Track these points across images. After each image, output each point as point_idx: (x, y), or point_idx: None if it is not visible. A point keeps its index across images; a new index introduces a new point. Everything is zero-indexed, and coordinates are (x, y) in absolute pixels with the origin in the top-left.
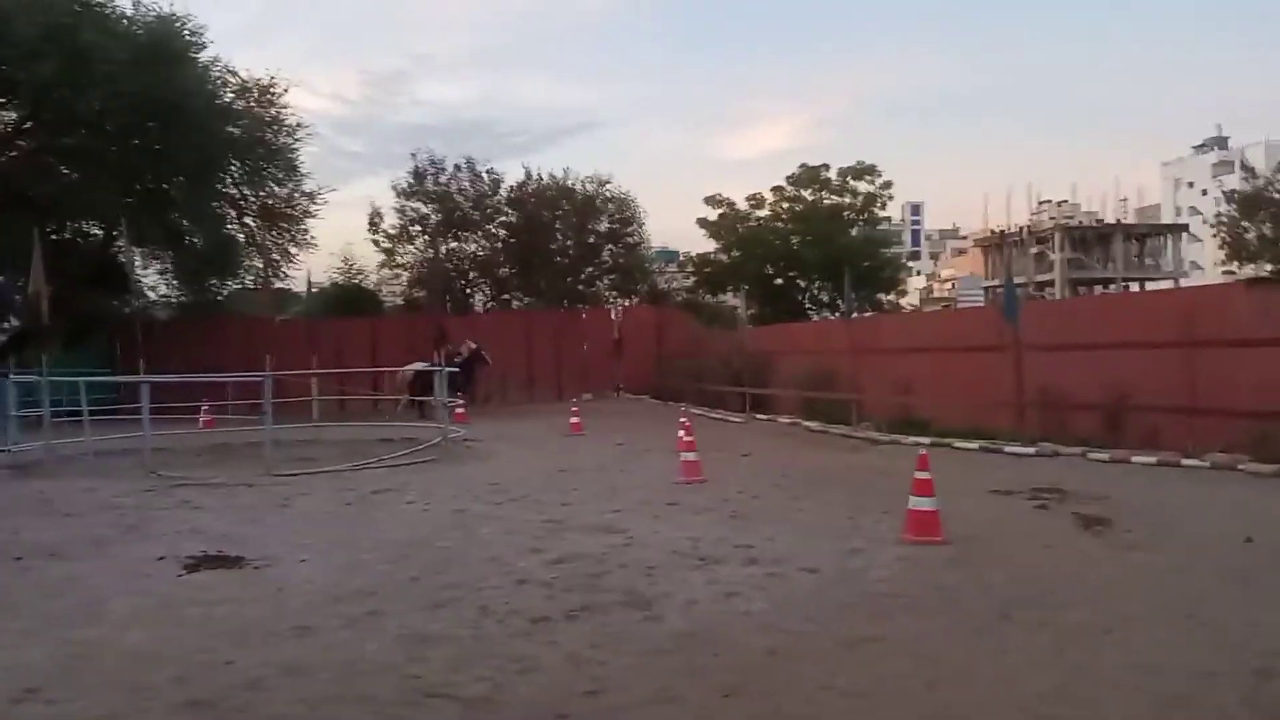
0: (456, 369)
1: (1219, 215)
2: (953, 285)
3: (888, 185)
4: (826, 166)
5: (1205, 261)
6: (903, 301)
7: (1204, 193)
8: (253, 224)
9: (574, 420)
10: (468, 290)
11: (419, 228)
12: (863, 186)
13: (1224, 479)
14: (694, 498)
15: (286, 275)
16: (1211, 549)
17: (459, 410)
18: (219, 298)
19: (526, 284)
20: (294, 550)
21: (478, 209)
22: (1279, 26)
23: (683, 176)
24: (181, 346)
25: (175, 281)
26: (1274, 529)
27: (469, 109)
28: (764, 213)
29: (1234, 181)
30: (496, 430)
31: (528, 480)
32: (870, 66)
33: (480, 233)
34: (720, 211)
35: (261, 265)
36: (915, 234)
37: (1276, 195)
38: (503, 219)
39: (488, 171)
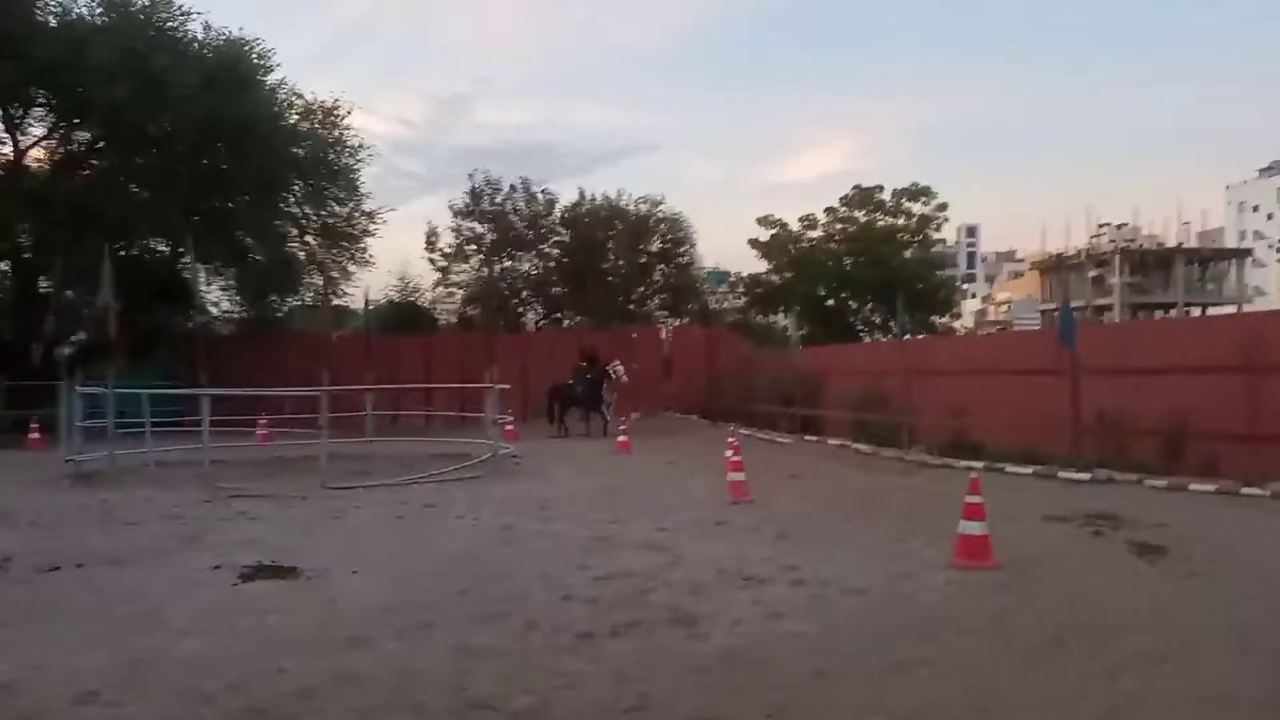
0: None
1: None
2: (1008, 308)
3: (943, 207)
4: (880, 188)
5: (1270, 286)
6: (957, 324)
7: (1269, 217)
8: (313, 242)
9: (622, 439)
10: (521, 309)
11: (474, 247)
12: (917, 208)
13: None
14: (741, 517)
15: (345, 293)
16: (1271, 579)
17: (509, 427)
18: (279, 314)
19: (578, 303)
20: (347, 562)
21: (532, 229)
22: None
23: (735, 198)
24: (242, 361)
25: (238, 298)
26: None
27: (525, 131)
28: (816, 234)
29: None
30: (545, 447)
31: (576, 497)
32: (926, 90)
33: (534, 252)
34: (773, 232)
35: (321, 283)
36: (971, 256)
37: None
38: (556, 239)
39: (542, 192)
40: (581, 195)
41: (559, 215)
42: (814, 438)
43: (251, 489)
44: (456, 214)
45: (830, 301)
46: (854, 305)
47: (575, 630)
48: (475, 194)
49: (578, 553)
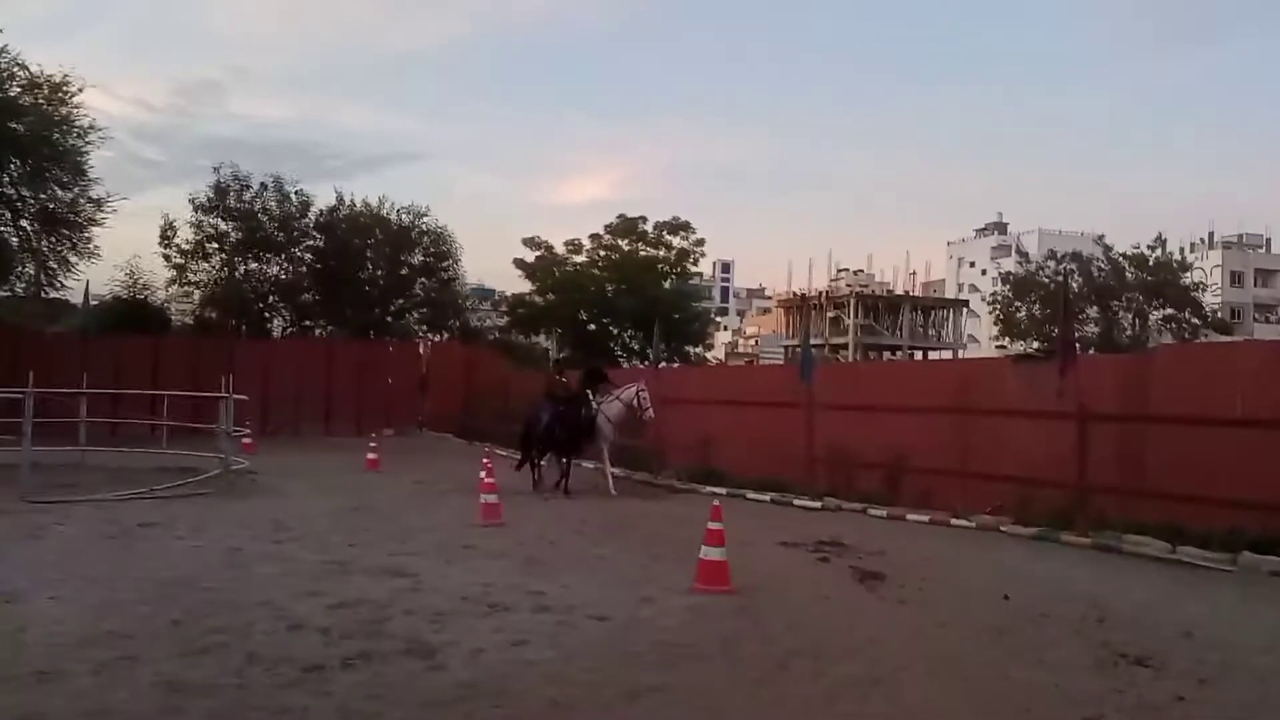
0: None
1: (995, 294)
2: (756, 342)
3: (701, 242)
4: (644, 219)
5: (981, 335)
6: (709, 355)
7: (983, 272)
8: (29, 228)
9: (371, 456)
10: (266, 314)
11: (216, 245)
12: (677, 241)
13: (988, 539)
14: (491, 542)
15: (63, 285)
16: (974, 605)
17: (246, 440)
18: None
19: (331, 312)
20: (43, 586)
21: (283, 230)
22: (1054, 126)
23: (503, 216)
24: None
25: None
26: (1029, 588)
27: (284, 128)
28: (581, 259)
29: (1010, 264)
30: (285, 463)
31: (314, 518)
32: (691, 129)
33: (284, 255)
34: (538, 254)
35: (34, 272)
36: (725, 291)
37: (1045, 280)
38: (309, 243)
39: (296, 192)
40: (340, 199)
41: (314, 218)
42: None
43: None
44: (198, 209)
45: (591, 326)
46: (614, 331)
47: (302, 663)
48: (220, 189)
49: (310, 579)
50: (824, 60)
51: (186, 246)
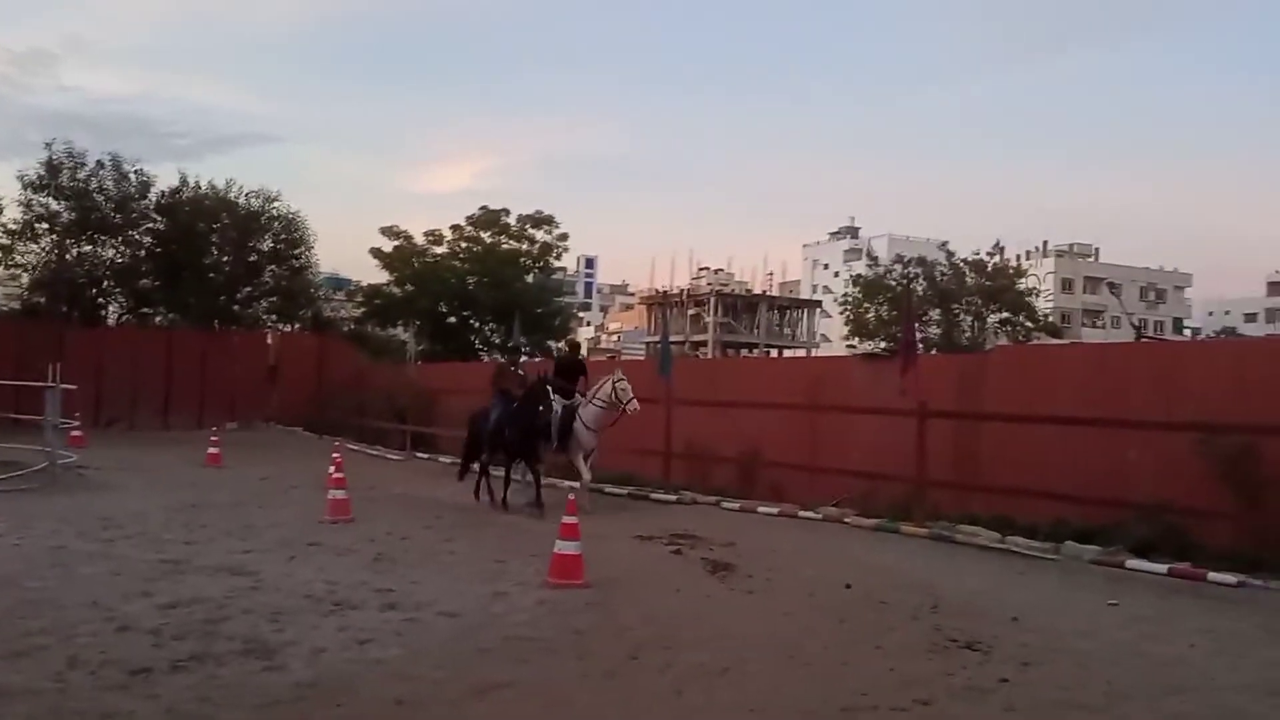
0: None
1: (846, 295)
2: (618, 338)
3: (564, 237)
4: (507, 212)
5: (834, 335)
6: None
7: (836, 274)
8: None
9: (212, 450)
10: (100, 300)
11: (46, 226)
12: (540, 235)
13: (832, 530)
14: (338, 538)
15: None
16: (817, 593)
17: (75, 434)
18: None
19: (172, 299)
20: None
21: (120, 211)
22: (906, 136)
23: (361, 204)
24: None
25: None
26: (869, 577)
27: (126, 102)
28: (441, 250)
29: (861, 267)
30: (119, 458)
31: (148, 515)
32: (556, 122)
33: (121, 238)
34: (396, 244)
35: None
36: (588, 286)
37: (893, 283)
38: (150, 225)
39: (136, 172)
40: (184, 181)
41: (154, 200)
42: (426, 455)
43: None
44: (27, 186)
45: (451, 319)
46: (475, 324)
47: (129, 665)
48: (53, 166)
49: (141, 578)
50: (691, 61)
51: (14, 227)
